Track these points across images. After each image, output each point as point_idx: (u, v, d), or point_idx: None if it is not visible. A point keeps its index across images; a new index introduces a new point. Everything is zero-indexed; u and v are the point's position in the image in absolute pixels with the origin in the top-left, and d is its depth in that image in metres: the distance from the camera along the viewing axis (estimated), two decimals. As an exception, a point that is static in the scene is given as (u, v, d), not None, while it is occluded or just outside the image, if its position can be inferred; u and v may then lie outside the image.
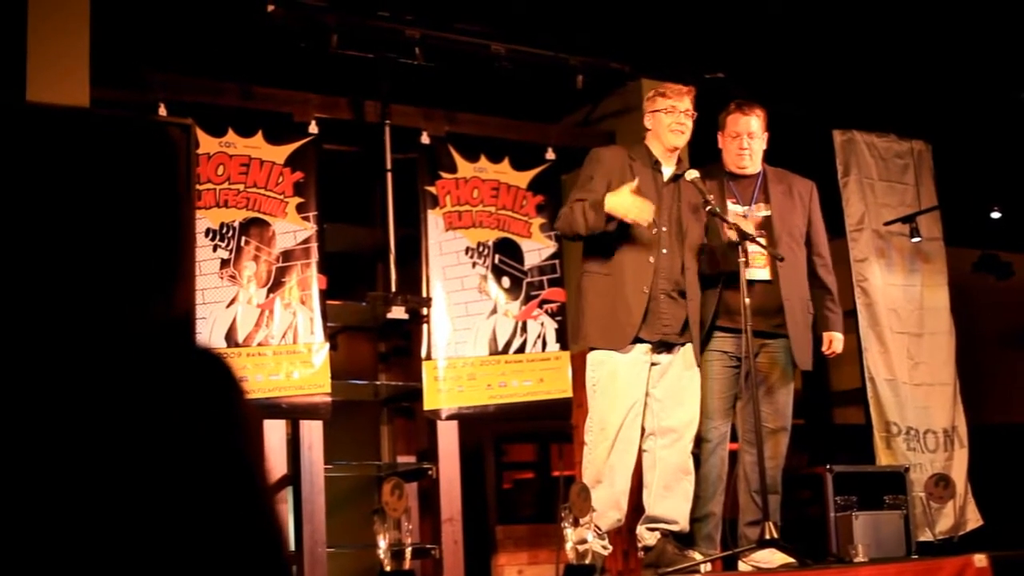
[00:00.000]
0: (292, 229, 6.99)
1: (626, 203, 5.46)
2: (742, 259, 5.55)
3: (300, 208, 7.02)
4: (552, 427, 8.50)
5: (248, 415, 1.39)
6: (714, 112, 6.30)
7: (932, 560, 5.34)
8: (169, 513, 1.27)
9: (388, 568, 4.17)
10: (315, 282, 6.96)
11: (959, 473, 8.72)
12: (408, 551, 4.22)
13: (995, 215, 9.74)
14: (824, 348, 6.21)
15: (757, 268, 5.89)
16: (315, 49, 6.92)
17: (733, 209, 6.01)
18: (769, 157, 6.37)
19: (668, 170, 5.86)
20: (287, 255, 6.95)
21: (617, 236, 5.64)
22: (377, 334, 8.03)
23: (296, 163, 7.06)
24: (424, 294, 7.29)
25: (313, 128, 7.13)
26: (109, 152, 1.34)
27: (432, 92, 7.66)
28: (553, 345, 7.62)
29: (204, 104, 6.84)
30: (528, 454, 10.58)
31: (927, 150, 9.27)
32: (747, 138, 6.13)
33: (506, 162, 7.75)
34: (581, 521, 4.64)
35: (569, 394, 7.49)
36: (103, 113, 1.41)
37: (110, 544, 1.24)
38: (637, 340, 5.64)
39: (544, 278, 7.68)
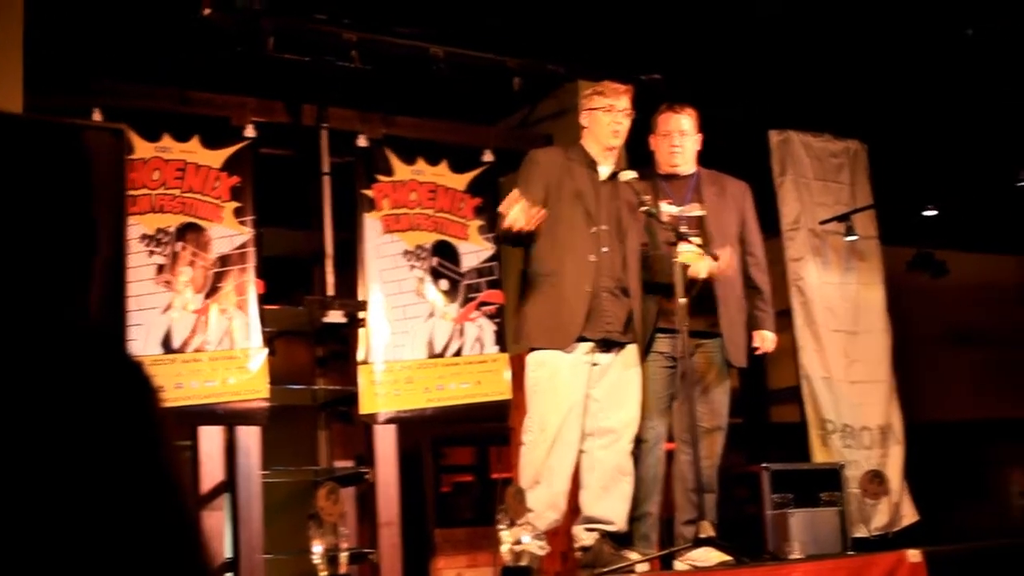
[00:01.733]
0: (229, 234, 6.94)
1: (513, 214, 5.46)
2: (677, 259, 5.55)
3: (237, 212, 6.98)
4: (491, 430, 8.51)
5: (162, 420, 1.38)
6: (651, 115, 6.33)
7: (867, 556, 5.38)
8: (81, 519, 1.25)
9: (324, 573, 4.15)
10: (252, 287, 6.92)
11: (894, 470, 8.80)
12: (344, 556, 4.20)
13: (929, 213, 9.82)
14: (756, 347, 6.24)
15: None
16: (252, 53, 6.88)
17: (667, 210, 6.03)
18: (706, 158, 6.40)
19: (605, 169, 5.87)
20: (224, 260, 6.90)
21: (558, 235, 5.64)
22: (314, 338, 8.00)
23: (233, 167, 7.01)
24: (361, 298, 7.27)
25: (250, 132, 7.09)
26: (13, 154, 1.32)
27: (369, 95, 7.63)
28: (491, 347, 7.61)
29: (140, 109, 6.79)
30: (467, 457, 10.58)
31: (862, 149, 9.35)
32: (678, 136, 6.15)
33: (444, 165, 7.74)
34: (517, 522, 4.63)
35: (507, 396, 7.49)
36: (7, 115, 1.39)
37: (20, 551, 1.22)
38: (580, 339, 5.64)
39: (482, 280, 7.67)
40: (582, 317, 5.62)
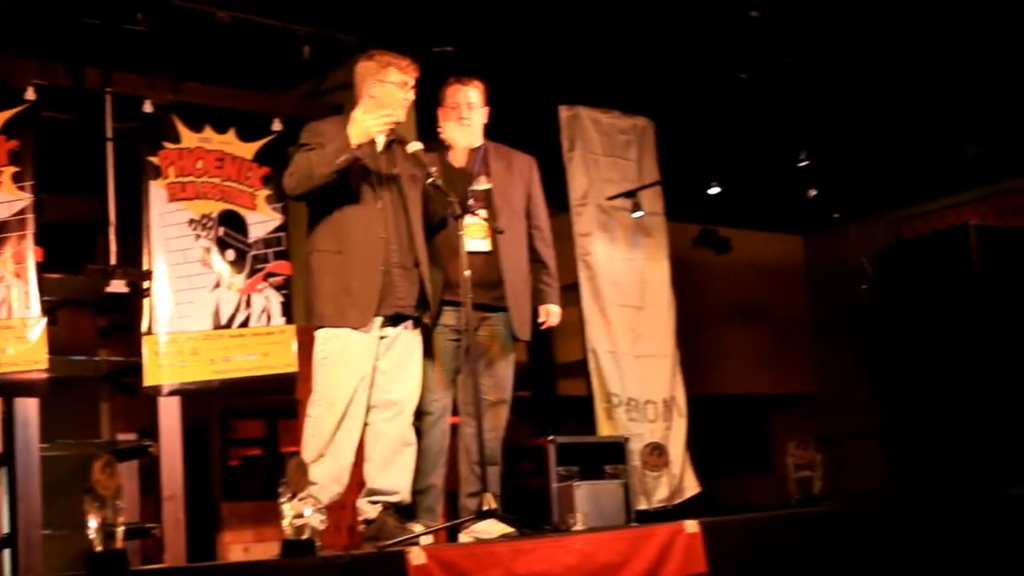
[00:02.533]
0: (6, 199, 6.76)
1: (365, 121, 5.43)
2: (462, 231, 5.56)
3: (16, 177, 6.80)
4: (281, 403, 8.44)
5: None
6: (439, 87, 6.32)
7: (646, 527, 5.45)
8: None
9: (98, 548, 4.05)
10: (31, 254, 6.75)
11: (677, 442, 8.99)
12: (120, 530, 4.10)
13: (714, 191, 10.03)
14: (540, 321, 6.30)
15: (478, 240, 5.93)
16: (33, 13, 6.68)
17: (455, 182, 6.02)
18: (496, 132, 6.40)
19: (381, 138, 5.80)
20: (1, 226, 6.71)
21: (344, 211, 5.58)
22: (97, 308, 7.83)
23: (12, 131, 6.82)
24: (145, 267, 7.15)
25: (30, 95, 6.90)
26: None
27: (156, 60, 7.47)
28: (278, 319, 7.55)
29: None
30: (257, 430, 10.49)
31: (650, 126, 9.50)
32: (466, 108, 6.14)
33: (232, 133, 7.64)
34: (299, 496, 4.59)
35: (294, 369, 7.44)
36: None
37: None
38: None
39: (269, 251, 7.60)
40: (376, 295, 5.56)
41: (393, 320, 5.67)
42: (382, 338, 5.67)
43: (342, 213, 5.59)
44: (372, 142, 5.70)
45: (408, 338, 5.76)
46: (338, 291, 5.56)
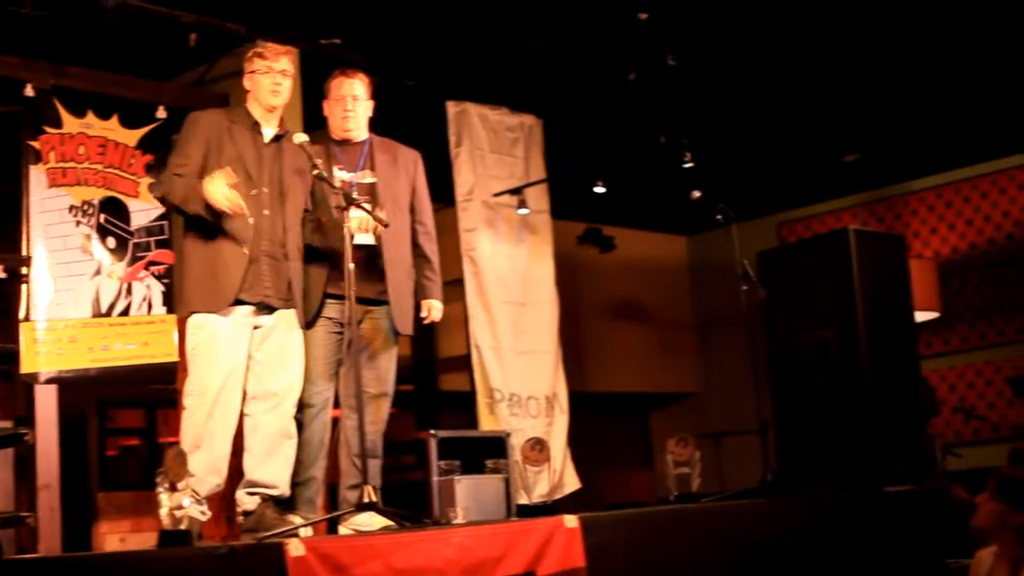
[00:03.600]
0: None
1: (218, 195, 5.40)
2: (347, 224, 5.56)
3: None
4: (160, 393, 8.35)
5: None
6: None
7: (526, 521, 5.50)
8: None
9: (-31, 536, 4.01)
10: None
11: (559, 438, 9.05)
12: (-8, 518, 4.06)
13: (599, 190, 10.10)
14: (423, 315, 6.32)
15: (362, 233, 5.93)
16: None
17: (339, 175, 6.02)
18: (384, 127, 6.41)
19: (269, 131, 5.81)
20: None
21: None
22: (-26, 294, 7.70)
23: None
24: (24, 253, 7.04)
25: (-94, 75, 6.78)
26: None
27: (39, 43, 7.35)
28: (159, 308, 7.49)
29: None
30: (136, 420, 10.37)
31: (538, 125, 9.56)
32: (351, 101, 6.15)
33: (115, 119, 7.57)
34: (178, 486, 4.56)
35: (175, 358, 7.37)
36: None
37: None
38: (238, 303, 5.59)
39: (151, 239, 7.54)
40: (239, 280, 5.56)
41: (265, 309, 5.67)
42: (256, 328, 5.66)
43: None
44: (259, 132, 5.73)
45: (287, 328, 5.75)
46: (204, 275, 5.58)
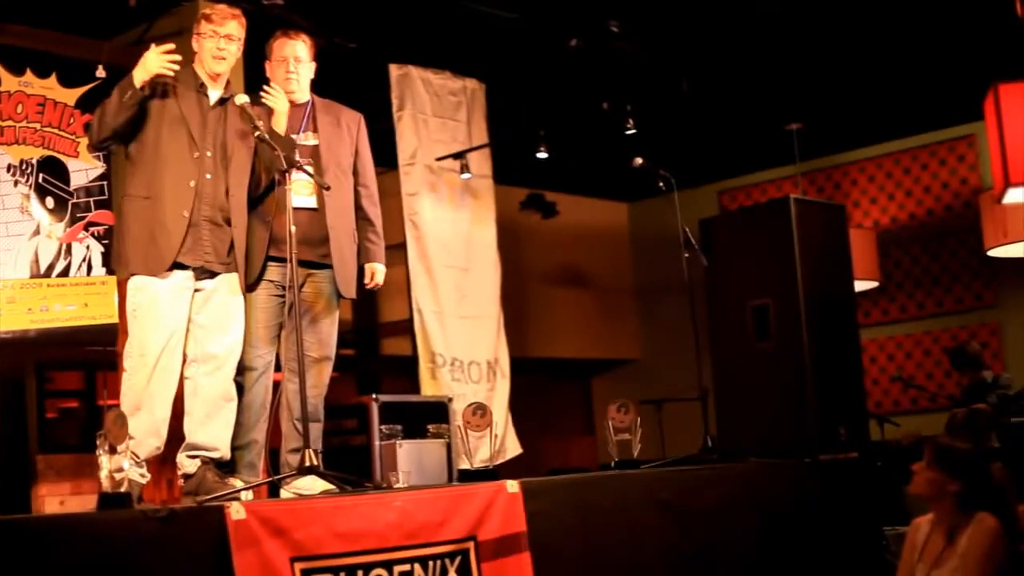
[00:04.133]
0: None
1: (154, 62, 5.42)
2: (287, 187, 5.53)
3: None
4: (99, 354, 8.31)
5: None
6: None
7: (467, 486, 5.51)
8: None
9: (-94, 498, 3.98)
10: None
11: (500, 403, 9.08)
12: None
13: (542, 155, 10.12)
14: (366, 280, 6.30)
15: (304, 196, 5.90)
16: None
17: (281, 136, 5.98)
18: (326, 89, 6.37)
19: (215, 94, 5.77)
20: None
21: (159, 158, 5.52)
22: (-91, 255, 7.61)
23: None
24: (-40, 213, 6.97)
25: None
26: None
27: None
28: (99, 269, 7.44)
29: None
30: (75, 382, 10.30)
31: (480, 89, 9.54)
32: (293, 62, 6.10)
33: (54, 78, 7.51)
34: (118, 449, 4.54)
35: (115, 320, 7.34)
36: None
37: None
38: (178, 266, 5.55)
39: (91, 200, 7.47)
40: (177, 243, 5.52)
41: (206, 273, 5.63)
42: (197, 291, 5.63)
43: (157, 159, 5.55)
44: (205, 94, 5.68)
45: (228, 292, 5.72)
46: (143, 237, 5.53)
